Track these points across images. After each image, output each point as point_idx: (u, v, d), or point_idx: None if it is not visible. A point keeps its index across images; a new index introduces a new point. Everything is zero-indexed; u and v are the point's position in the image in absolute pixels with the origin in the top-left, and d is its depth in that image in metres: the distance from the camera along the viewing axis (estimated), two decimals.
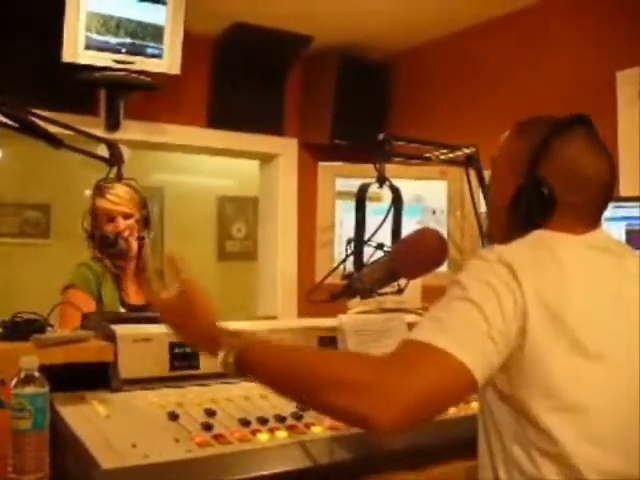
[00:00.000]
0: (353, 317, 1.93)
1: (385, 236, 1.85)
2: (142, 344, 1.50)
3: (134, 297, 2.51)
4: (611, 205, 1.34)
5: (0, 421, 1.17)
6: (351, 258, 1.83)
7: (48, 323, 1.51)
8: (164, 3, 3.29)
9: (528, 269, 1.11)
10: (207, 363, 1.49)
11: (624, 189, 2.65)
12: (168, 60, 3.32)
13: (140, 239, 2.50)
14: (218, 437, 1.27)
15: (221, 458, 1.21)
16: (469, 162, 2.16)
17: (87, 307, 2.22)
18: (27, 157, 4.53)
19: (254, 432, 1.31)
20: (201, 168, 5.44)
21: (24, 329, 1.43)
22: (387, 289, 1.81)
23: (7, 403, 1.17)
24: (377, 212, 1.89)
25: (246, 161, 4.46)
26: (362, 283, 1.77)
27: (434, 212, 2.41)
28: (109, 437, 1.22)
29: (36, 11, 3.11)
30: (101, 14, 3.15)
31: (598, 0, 3.06)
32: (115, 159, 1.83)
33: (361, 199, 1.87)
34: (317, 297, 1.84)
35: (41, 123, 1.64)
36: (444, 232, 2.21)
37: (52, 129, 1.68)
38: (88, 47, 3.13)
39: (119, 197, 2.45)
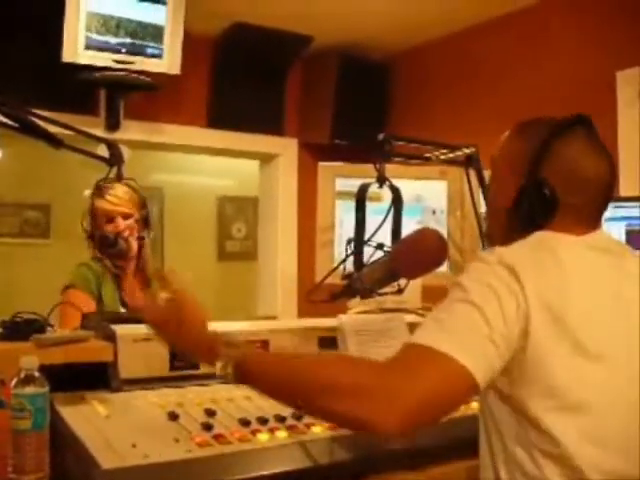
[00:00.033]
0: (353, 317, 1.93)
1: (385, 236, 1.84)
2: (142, 344, 1.50)
3: (134, 297, 2.51)
4: (611, 205, 1.34)
5: (0, 421, 1.17)
6: (351, 258, 1.83)
7: (48, 323, 1.51)
8: (164, 3, 3.29)
9: (530, 271, 1.11)
10: None
11: (624, 189, 2.65)
12: (168, 60, 3.32)
13: (140, 239, 2.50)
14: (218, 437, 1.27)
15: (221, 458, 1.21)
16: (469, 162, 2.15)
17: (87, 307, 2.22)
18: (27, 157, 4.52)
19: (254, 432, 1.31)
20: (201, 168, 5.44)
21: (24, 329, 1.43)
22: (387, 289, 1.81)
23: (7, 403, 1.17)
24: (377, 212, 1.89)
25: (246, 161, 4.46)
26: (362, 283, 1.77)
27: (434, 212, 2.40)
28: (109, 437, 1.22)
29: (36, 11, 3.11)
30: (101, 14, 3.16)
31: (598, 0, 3.06)
32: (115, 159, 1.83)
33: (361, 199, 1.87)
34: (317, 297, 1.84)
35: (41, 123, 1.64)
36: (444, 232, 2.21)
37: (52, 129, 1.68)
38: (88, 47, 3.13)
39: (118, 198, 2.45)
